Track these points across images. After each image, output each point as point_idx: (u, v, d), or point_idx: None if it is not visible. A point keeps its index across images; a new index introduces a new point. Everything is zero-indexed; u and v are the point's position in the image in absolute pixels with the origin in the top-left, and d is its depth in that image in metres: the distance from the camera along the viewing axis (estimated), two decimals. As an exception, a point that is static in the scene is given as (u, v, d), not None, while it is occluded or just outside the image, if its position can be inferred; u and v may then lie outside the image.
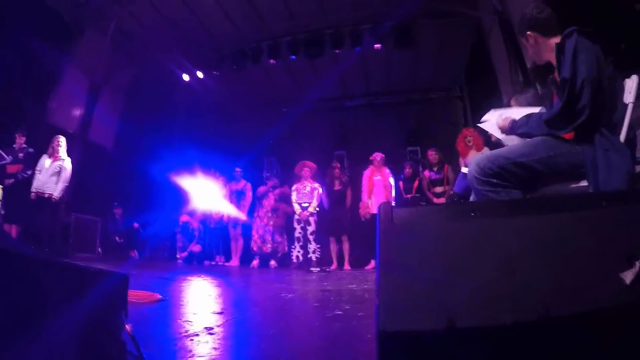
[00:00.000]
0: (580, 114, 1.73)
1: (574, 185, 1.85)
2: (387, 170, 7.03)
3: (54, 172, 5.99)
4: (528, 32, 2.04)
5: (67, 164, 6.11)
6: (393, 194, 6.89)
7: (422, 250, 0.79)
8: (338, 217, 6.85)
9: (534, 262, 0.75)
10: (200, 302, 2.59)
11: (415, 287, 0.74)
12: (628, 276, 0.71)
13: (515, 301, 0.70)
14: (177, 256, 8.11)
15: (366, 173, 7.03)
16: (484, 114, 4.23)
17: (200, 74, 9.29)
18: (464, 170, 4.98)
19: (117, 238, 8.44)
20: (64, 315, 0.93)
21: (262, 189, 7.59)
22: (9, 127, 6.21)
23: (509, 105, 3.32)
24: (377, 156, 7.01)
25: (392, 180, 6.95)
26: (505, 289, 0.72)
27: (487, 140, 5.81)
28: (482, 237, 0.79)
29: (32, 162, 6.07)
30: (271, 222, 7.22)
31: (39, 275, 0.94)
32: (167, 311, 2.17)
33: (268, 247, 7.12)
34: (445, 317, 0.69)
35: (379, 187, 6.82)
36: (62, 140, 6.18)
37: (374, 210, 6.67)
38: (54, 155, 6.07)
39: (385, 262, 0.78)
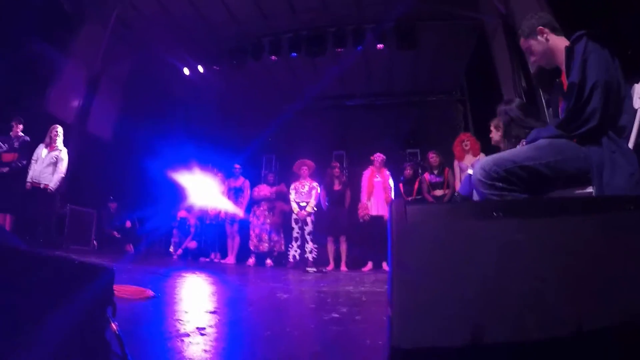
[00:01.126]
0: (590, 117, 1.70)
1: (579, 191, 1.80)
2: (387, 172, 6.96)
3: (50, 162, 5.91)
4: (539, 27, 1.99)
5: (63, 154, 6.02)
6: (393, 195, 6.82)
7: (442, 255, 0.70)
8: (337, 217, 6.79)
9: (564, 269, 0.67)
10: (193, 300, 2.53)
11: (435, 297, 0.66)
12: None
13: (546, 313, 0.62)
14: (172, 251, 8.03)
15: (366, 174, 6.96)
16: (484, 118, 4.20)
17: (200, 68, 9.21)
18: (470, 171, 4.93)
19: (114, 233, 8.35)
20: (42, 310, 0.86)
21: (264, 191, 7.48)
22: (6, 116, 6.11)
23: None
24: (378, 157, 6.93)
25: (391, 182, 6.88)
26: (534, 300, 0.63)
27: (484, 145, 5.79)
28: (507, 241, 0.70)
29: (28, 151, 5.97)
30: (268, 221, 7.16)
31: (15, 268, 0.88)
32: (158, 309, 2.11)
33: (265, 246, 7.06)
34: (468, 331, 0.61)
35: (378, 188, 6.76)
36: (60, 130, 6.11)
37: (373, 212, 6.62)
38: (50, 145, 6.00)
39: (399, 267, 0.70)
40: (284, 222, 7.30)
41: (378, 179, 6.83)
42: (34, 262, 0.90)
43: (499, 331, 0.62)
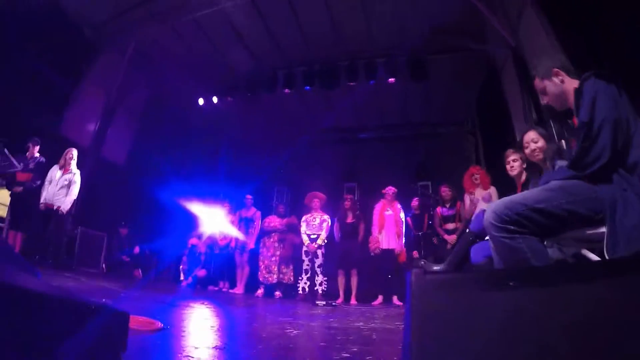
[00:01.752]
0: (600, 155, 1.71)
1: (591, 232, 1.79)
2: (399, 205, 6.95)
3: (63, 185, 6.03)
4: (554, 69, 2.02)
5: (77, 177, 6.16)
6: (404, 229, 6.79)
7: (461, 329, 0.69)
8: (349, 250, 6.75)
9: (581, 346, 0.65)
10: (202, 334, 2.50)
11: None
12: None
13: None
14: (182, 279, 8.02)
15: (377, 207, 6.95)
16: (496, 150, 4.17)
17: (215, 99, 9.39)
18: (483, 205, 4.88)
19: (124, 257, 8.34)
20: (54, 353, 0.87)
21: (274, 222, 7.46)
22: (22, 137, 6.24)
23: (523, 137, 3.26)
24: (390, 190, 6.93)
25: (403, 216, 6.86)
26: None
27: (494, 177, 5.76)
28: (520, 313, 0.70)
29: (42, 172, 6.11)
30: (278, 252, 7.12)
31: (33, 309, 0.88)
32: (167, 342, 2.09)
33: (273, 278, 7.00)
34: None
35: (390, 221, 6.72)
36: (75, 153, 6.24)
37: (384, 245, 6.58)
38: (65, 168, 6.12)
39: (419, 341, 0.69)
40: (294, 255, 7.25)
41: (389, 212, 6.81)
42: (48, 304, 0.91)
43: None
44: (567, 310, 0.67)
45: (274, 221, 7.45)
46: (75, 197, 6.13)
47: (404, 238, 6.75)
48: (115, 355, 0.95)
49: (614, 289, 0.68)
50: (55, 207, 5.93)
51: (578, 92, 1.88)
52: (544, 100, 2.18)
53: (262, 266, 7.12)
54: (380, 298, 6.48)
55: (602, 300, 0.67)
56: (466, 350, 0.67)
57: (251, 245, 7.37)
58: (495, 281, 0.73)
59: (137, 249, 8.50)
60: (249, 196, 7.80)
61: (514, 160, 3.84)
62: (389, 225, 6.70)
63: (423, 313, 0.72)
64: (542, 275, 0.74)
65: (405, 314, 0.76)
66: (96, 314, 0.95)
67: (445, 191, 6.56)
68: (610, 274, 0.70)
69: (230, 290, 7.43)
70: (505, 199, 1.79)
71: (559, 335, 0.65)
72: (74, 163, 6.20)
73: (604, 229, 1.70)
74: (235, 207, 8.00)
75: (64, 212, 5.98)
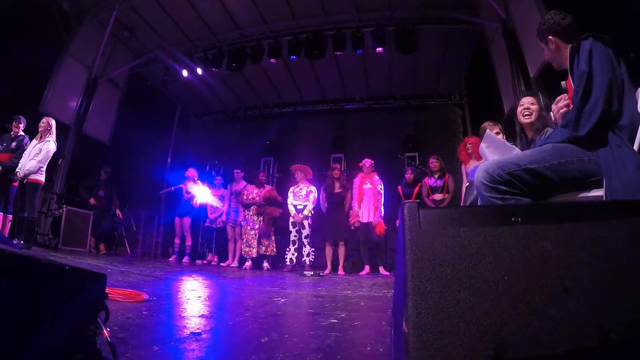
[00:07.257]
0: (594, 108, 1.69)
1: (584, 194, 1.77)
2: (377, 177, 6.92)
3: (36, 154, 5.63)
4: (549, 37, 2.00)
5: (49, 145, 5.72)
6: (382, 201, 6.78)
7: (460, 263, 0.65)
8: (337, 221, 6.74)
9: (589, 278, 0.63)
10: (189, 304, 2.48)
11: (455, 312, 0.61)
12: None
13: (571, 325, 0.58)
14: (169, 253, 7.98)
15: (356, 181, 6.93)
16: (483, 122, 4.13)
17: (199, 71, 9.17)
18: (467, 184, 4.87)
19: (100, 193, 8.01)
20: (29, 317, 0.82)
21: (252, 194, 7.37)
22: (3, 117, 5.98)
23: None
24: (366, 162, 6.90)
25: (381, 187, 6.84)
26: (558, 311, 0.59)
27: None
28: (528, 248, 0.66)
29: (24, 151, 5.84)
30: (256, 226, 7.08)
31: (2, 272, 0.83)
32: (152, 313, 2.06)
33: (253, 252, 6.95)
34: (491, 348, 0.57)
35: (368, 195, 6.71)
36: (52, 122, 5.87)
37: (364, 219, 6.58)
38: (40, 138, 5.78)
39: (415, 278, 0.65)
40: (274, 227, 7.21)
41: (368, 185, 6.78)
42: (22, 266, 0.86)
43: (525, 346, 0.58)
44: (572, 247, 0.65)
45: (252, 192, 7.37)
46: (41, 164, 5.62)
47: (382, 210, 6.72)
48: (92, 316, 0.90)
49: (617, 228, 0.65)
50: (25, 180, 5.58)
51: (574, 49, 1.85)
52: (546, 57, 2.17)
53: (244, 240, 7.10)
54: (367, 268, 6.53)
55: (603, 238, 0.65)
56: (465, 285, 0.64)
57: (240, 218, 7.33)
58: (495, 216, 0.70)
59: (118, 212, 8.18)
60: (236, 170, 7.73)
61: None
62: (368, 199, 6.69)
63: (418, 247, 0.68)
64: (545, 213, 0.71)
65: (398, 249, 0.72)
66: (72, 275, 0.91)
67: (433, 162, 6.53)
68: (613, 214, 0.68)
69: (222, 264, 7.39)
70: (498, 158, 1.76)
71: (571, 271, 0.63)
72: (49, 132, 5.79)
73: (595, 193, 1.69)
74: (224, 180, 7.94)
75: (20, 176, 5.53)
